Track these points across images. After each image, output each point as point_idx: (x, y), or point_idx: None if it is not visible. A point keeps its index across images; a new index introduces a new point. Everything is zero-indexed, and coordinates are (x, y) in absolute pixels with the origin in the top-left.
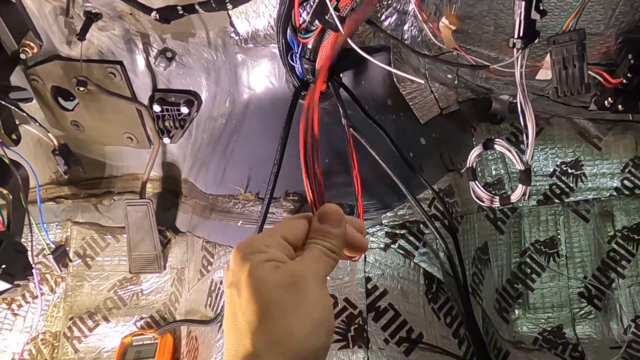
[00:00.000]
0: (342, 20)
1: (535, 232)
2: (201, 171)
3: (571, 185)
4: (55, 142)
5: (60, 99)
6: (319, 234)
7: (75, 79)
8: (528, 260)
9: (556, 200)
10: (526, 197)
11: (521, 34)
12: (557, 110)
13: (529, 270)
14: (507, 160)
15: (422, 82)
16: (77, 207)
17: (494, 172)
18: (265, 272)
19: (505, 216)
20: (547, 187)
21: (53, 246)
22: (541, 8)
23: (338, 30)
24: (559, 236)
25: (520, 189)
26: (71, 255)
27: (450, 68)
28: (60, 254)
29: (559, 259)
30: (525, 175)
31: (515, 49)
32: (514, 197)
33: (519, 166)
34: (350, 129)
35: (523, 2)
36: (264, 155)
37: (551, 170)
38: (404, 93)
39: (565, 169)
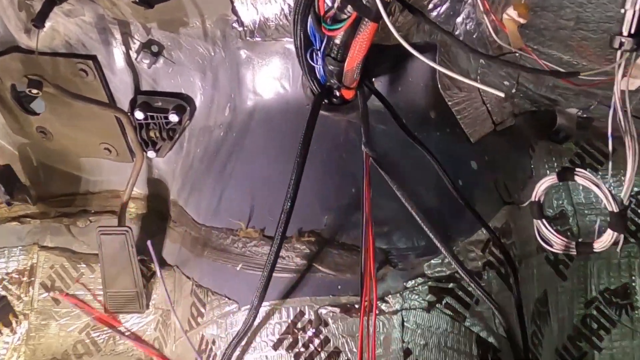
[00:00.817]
0: (386, 5)
1: (604, 279)
2: (193, 194)
3: None
4: None
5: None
6: None
7: (27, 78)
8: (595, 312)
9: (631, 240)
10: (618, 248)
11: (633, 31)
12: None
13: (595, 325)
14: (571, 188)
15: (481, 86)
16: (45, 229)
17: (555, 203)
18: None
19: (569, 258)
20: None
21: None
22: None
23: (379, 20)
24: (633, 284)
25: (609, 235)
26: (37, 287)
27: (510, 73)
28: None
29: (634, 313)
30: (619, 220)
31: (619, 51)
32: (599, 246)
33: (612, 207)
34: (370, 159)
35: None
36: (272, 179)
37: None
38: (450, 104)
39: None
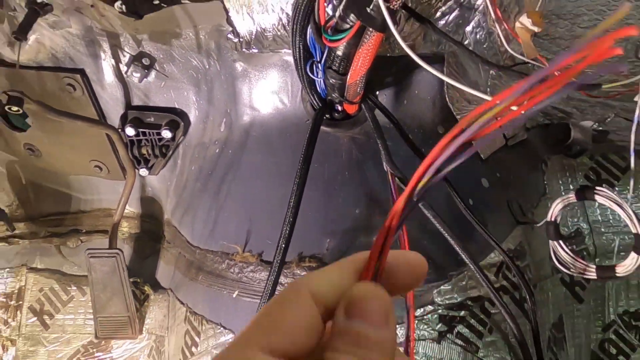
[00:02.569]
0: (393, 14)
1: (623, 301)
2: (187, 215)
3: None
4: None
5: (11, 115)
6: (345, 343)
7: (6, 94)
8: (614, 336)
9: None
10: None
11: None
12: None
13: (614, 351)
14: (586, 205)
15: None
16: (35, 250)
17: (570, 222)
18: None
19: (585, 279)
20: None
21: None
22: None
23: (385, 30)
24: None
25: (633, 259)
26: (25, 311)
27: None
28: None
29: None
30: None
31: None
32: (623, 270)
33: (636, 229)
34: (396, 179)
35: None
36: (270, 200)
37: None
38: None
39: None
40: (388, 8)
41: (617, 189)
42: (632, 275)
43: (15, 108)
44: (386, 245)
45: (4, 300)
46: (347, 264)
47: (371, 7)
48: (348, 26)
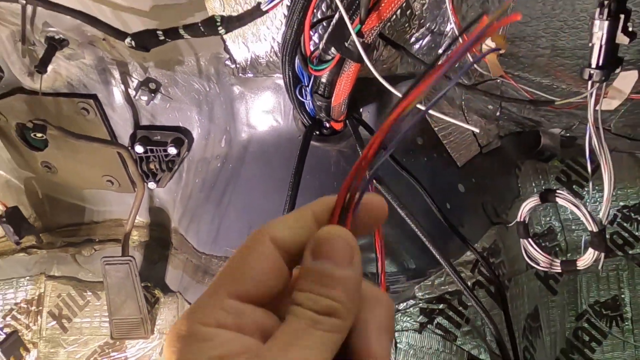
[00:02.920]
0: (367, 48)
1: (594, 292)
2: (192, 223)
3: (636, 233)
4: (1, 207)
5: (28, 135)
6: (309, 283)
7: (32, 122)
8: (586, 325)
9: (618, 253)
10: (600, 266)
11: (600, 63)
12: (617, 144)
13: (587, 338)
14: (558, 204)
15: (458, 123)
16: (52, 259)
17: (542, 220)
18: None
19: (558, 273)
20: (607, 236)
21: (2, 334)
22: (630, 29)
23: (362, 62)
24: (622, 296)
25: (590, 254)
26: (44, 316)
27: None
28: (11, 344)
29: (624, 324)
30: (599, 239)
31: (590, 82)
32: (582, 263)
33: (591, 227)
34: (374, 181)
35: (606, 23)
36: (267, 208)
37: (611, 216)
38: (436, 129)
39: (628, 214)
40: (362, 43)
41: (586, 188)
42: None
43: (39, 135)
44: (353, 189)
45: (25, 306)
46: (305, 211)
47: (348, 42)
48: (330, 57)
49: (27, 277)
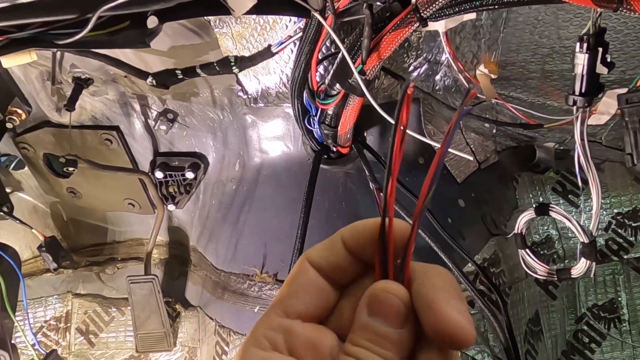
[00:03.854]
0: (369, 84)
1: (592, 295)
2: (211, 242)
3: (630, 239)
4: (41, 237)
5: (55, 164)
6: (364, 340)
7: (64, 158)
8: (585, 327)
9: (614, 258)
10: (592, 274)
11: (583, 90)
12: (609, 154)
13: (587, 340)
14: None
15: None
16: (77, 277)
17: (540, 229)
18: None
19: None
20: (602, 242)
21: (43, 353)
22: (608, 60)
23: (364, 96)
24: (619, 298)
25: (583, 263)
26: (73, 332)
27: (489, 117)
28: None
29: (622, 325)
30: (590, 249)
31: (575, 107)
32: (576, 272)
33: (582, 238)
34: (381, 193)
35: (586, 55)
36: (281, 228)
37: (606, 223)
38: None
39: (622, 220)
40: (364, 80)
41: (581, 198)
42: (599, 273)
43: (71, 169)
44: (410, 245)
45: (54, 323)
46: (336, 238)
47: (352, 79)
48: (335, 92)
49: (55, 296)
